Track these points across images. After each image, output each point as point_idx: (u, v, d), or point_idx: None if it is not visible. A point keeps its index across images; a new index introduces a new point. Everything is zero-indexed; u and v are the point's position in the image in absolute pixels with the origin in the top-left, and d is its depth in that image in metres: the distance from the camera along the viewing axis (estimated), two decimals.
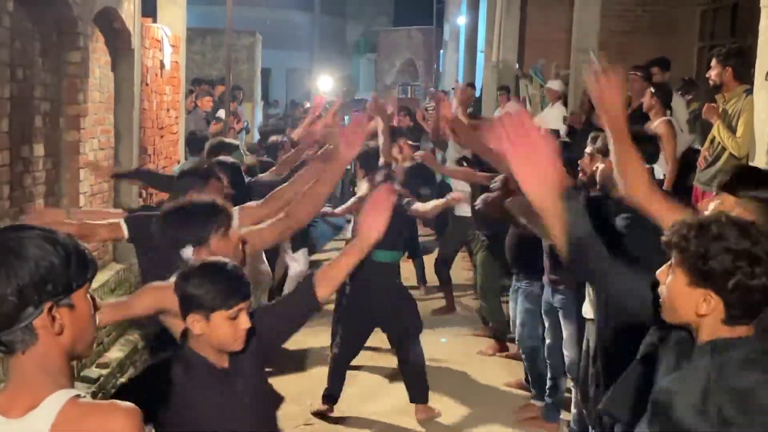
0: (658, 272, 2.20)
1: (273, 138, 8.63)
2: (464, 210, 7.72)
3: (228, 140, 6.46)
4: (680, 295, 2.12)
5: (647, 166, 3.59)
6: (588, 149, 4.98)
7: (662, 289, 2.18)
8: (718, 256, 2.03)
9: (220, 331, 2.54)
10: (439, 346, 6.94)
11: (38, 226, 1.72)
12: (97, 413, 1.66)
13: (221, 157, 5.20)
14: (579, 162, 4.52)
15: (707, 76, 5.82)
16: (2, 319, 1.62)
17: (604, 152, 4.47)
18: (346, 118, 24.78)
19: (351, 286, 5.64)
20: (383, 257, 5.50)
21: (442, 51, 26.42)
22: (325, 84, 29.19)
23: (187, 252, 3.09)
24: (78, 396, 1.67)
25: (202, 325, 2.54)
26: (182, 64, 9.42)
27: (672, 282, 2.14)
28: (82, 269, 1.70)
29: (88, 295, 1.75)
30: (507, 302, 6.36)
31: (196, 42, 15.52)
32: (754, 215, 2.57)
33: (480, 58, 15.63)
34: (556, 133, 8.84)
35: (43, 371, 1.66)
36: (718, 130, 5.54)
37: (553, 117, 9.66)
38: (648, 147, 3.69)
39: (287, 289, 7.77)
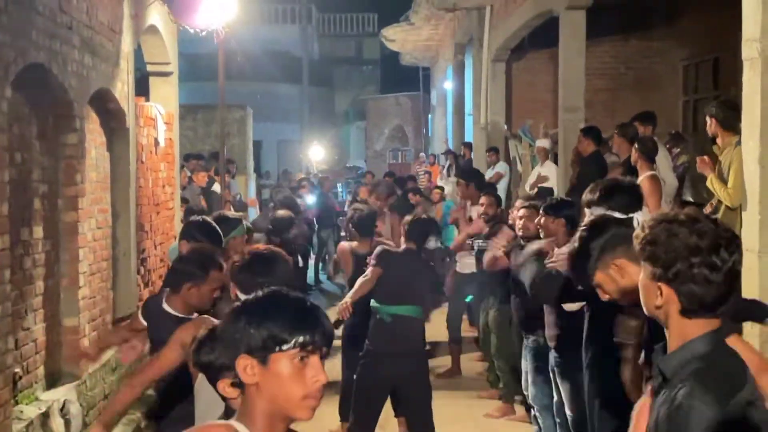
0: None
1: (281, 212, 8.32)
2: (468, 267, 7.77)
3: (231, 215, 6.42)
4: (643, 287, 2.18)
5: (628, 215, 3.73)
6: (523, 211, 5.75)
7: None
8: (663, 246, 2.09)
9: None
10: (445, 408, 6.87)
11: (287, 292, 1.93)
12: None
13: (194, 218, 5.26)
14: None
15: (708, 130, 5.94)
16: (227, 362, 1.94)
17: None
18: (339, 185, 24.99)
19: (370, 346, 5.39)
20: (407, 311, 5.36)
21: (430, 115, 26.71)
22: (316, 153, 29.46)
23: None
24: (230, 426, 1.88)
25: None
26: (176, 140, 9.53)
27: (641, 276, 2.20)
28: (294, 335, 1.84)
29: (299, 361, 1.85)
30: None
31: (188, 118, 15.71)
32: None
33: (468, 120, 15.83)
34: (549, 191, 8.93)
35: (244, 414, 1.89)
36: (711, 183, 5.62)
37: (547, 175, 9.76)
38: (624, 197, 3.91)
39: None
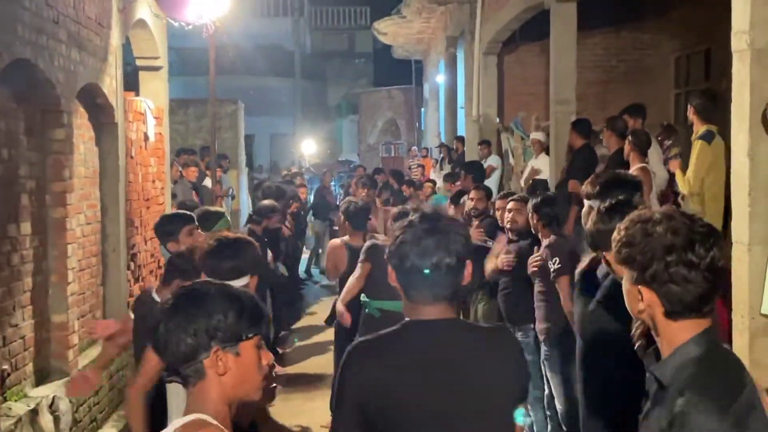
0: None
1: (266, 202, 8.75)
2: None
3: (213, 209, 6.42)
4: (626, 293, 2.09)
5: None
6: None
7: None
8: (638, 247, 2.01)
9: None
10: None
11: (221, 283, 2.09)
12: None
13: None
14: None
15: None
16: (181, 356, 1.96)
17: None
18: (333, 181, 25.06)
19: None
20: (397, 306, 5.32)
21: (423, 109, 26.67)
22: (308, 147, 29.43)
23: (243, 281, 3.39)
24: (205, 422, 1.90)
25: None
26: (166, 135, 9.49)
27: (624, 281, 2.11)
28: (253, 324, 1.99)
29: (258, 347, 2.01)
30: None
31: (179, 112, 15.64)
32: None
33: (461, 113, 15.81)
34: (544, 183, 8.92)
35: (201, 404, 1.95)
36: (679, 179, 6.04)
37: (540, 168, 9.75)
38: (622, 192, 3.84)
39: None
